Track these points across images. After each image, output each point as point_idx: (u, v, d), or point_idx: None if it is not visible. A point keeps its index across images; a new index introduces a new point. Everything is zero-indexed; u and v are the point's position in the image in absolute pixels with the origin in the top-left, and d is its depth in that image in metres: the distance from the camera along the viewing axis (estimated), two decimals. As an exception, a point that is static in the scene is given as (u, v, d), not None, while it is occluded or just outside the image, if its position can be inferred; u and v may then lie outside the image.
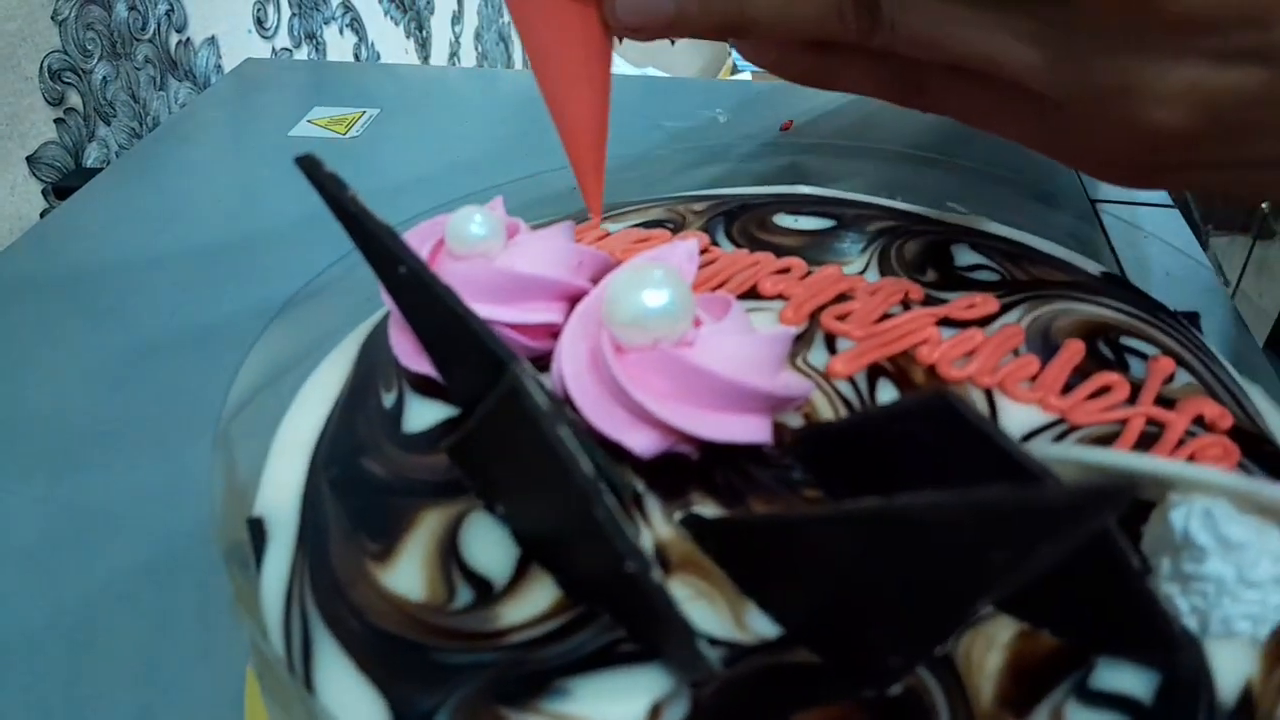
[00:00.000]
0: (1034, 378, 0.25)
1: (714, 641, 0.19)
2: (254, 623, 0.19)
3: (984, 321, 0.27)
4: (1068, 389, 0.25)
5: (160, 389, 0.37)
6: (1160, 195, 0.50)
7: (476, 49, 1.28)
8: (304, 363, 0.27)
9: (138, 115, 0.62)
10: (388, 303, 0.24)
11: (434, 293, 0.21)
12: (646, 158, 0.38)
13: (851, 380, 0.25)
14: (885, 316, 0.27)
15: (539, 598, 0.19)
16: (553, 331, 0.24)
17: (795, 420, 0.24)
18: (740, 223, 0.32)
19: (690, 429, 0.21)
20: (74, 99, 0.57)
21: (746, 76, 1.44)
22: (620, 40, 0.30)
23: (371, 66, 0.92)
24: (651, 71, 1.10)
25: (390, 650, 0.19)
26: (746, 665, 0.18)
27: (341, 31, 0.92)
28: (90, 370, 0.38)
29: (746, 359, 0.22)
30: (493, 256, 0.25)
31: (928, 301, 0.28)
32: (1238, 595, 0.18)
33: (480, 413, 0.19)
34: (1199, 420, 0.24)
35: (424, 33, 1.10)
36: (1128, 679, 0.18)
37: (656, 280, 0.21)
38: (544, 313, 0.25)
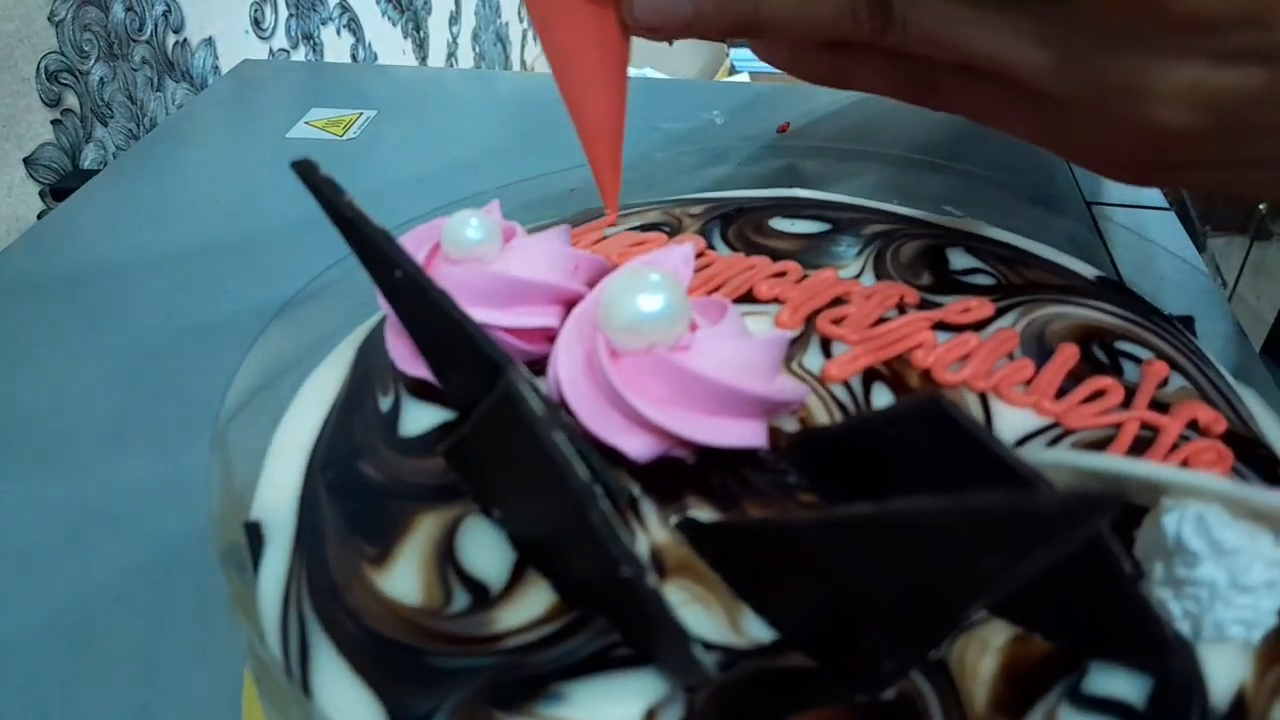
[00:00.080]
0: (1029, 382, 0.25)
1: (709, 646, 0.19)
2: (251, 626, 0.19)
3: (979, 325, 0.27)
4: (1062, 393, 0.25)
5: (158, 389, 0.37)
6: (1157, 198, 0.50)
7: (474, 49, 1.28)
8: (301, 365, 0.27)
9: (135, 116, 0.62)
10: (384, 307, 0.24)
11: (430, 297, 0.21)
12: (644, 160, 0.38)
13: (847, 384, 0.25)
14: (881, 320, 0.27)
15: (535, 602, 0.19)
16: (549, 335, 0.24)
17: (791, 424, 0.24)
18: (737, 226, 0.32)
19: (686, 434, 0.21)
20: (71, 100, 0.57)
21: (744, 77, 1.44)
22: (640, 39, 0.30)
23: (369, 68, 0.92)
24: (649, 72, 1.10)
25: (386, 654, 0.19)
26: (741, 669, 0.18)
27: (339, 32, 0.92)
28: (88, 371, 0.38)
29: (742, 363, 0.22)
30: (489, 261, 0.25)
31: (923, 305, 0.28)
32: (1230, 600, 0.19)
33: (475, 417, 0.19)
34: (1193, 425, 0.24)
35: (421, 33, 1.10)
36: (1120, 683, 0.18)
37: (652, 285, 0.22)
38: (540, 317, 0.25)
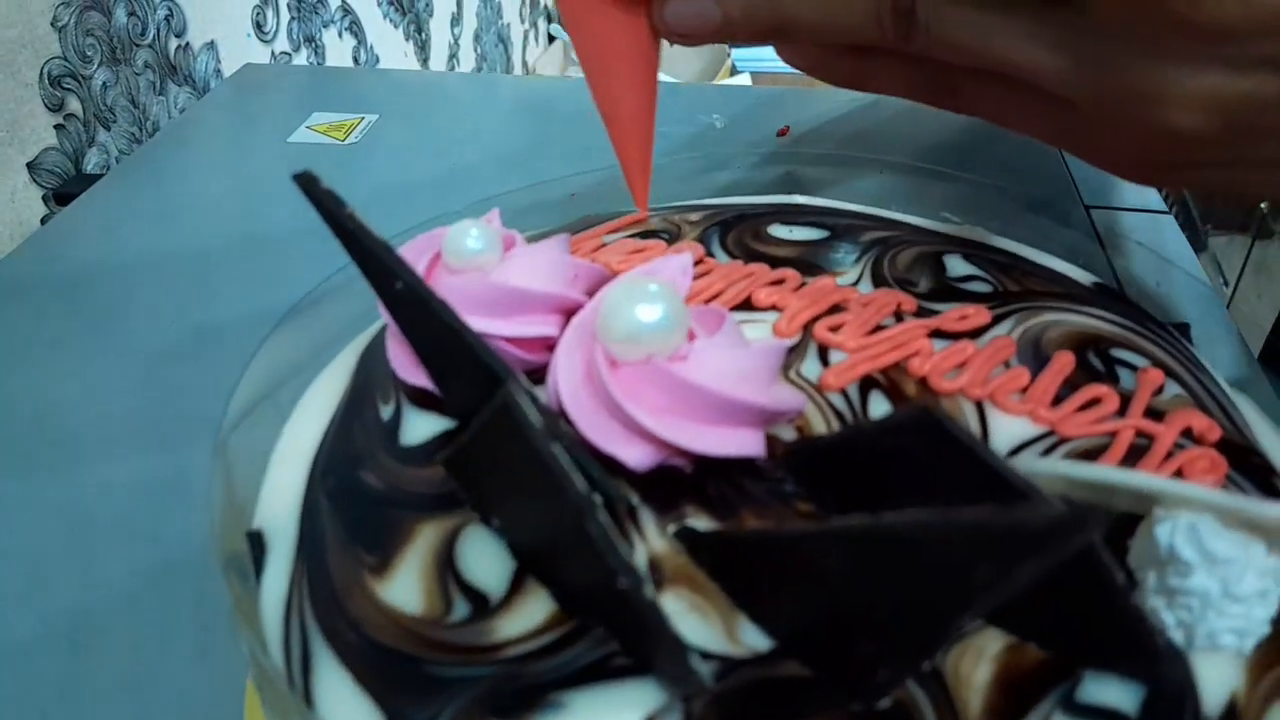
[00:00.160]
0: (1024, 389, 0.25)
1: (706, 655, 0.19)
2: (254, 636, 0.19)
3: (976, 333, 0.27)
4: (1058, 401, 0.25)
5: (160, 394, 0.38)
6: (1156, 201, 0.50)
7: (476, 51, 1.28)
8: (303, 373, 0.27)
9: (137, 121, 0.62)
10: (385, 316, 0.25)
11: (430, 308, 0.21)
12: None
13: (844, 392, 0.25)
14: (878, 328, 0.27)
15: (534, 611, 0.20)
16: (548, 344, 0.25)
17: (788, 433, 0.24)
18: (735, 233, 0.32)
19: (684, 443, 0.21)
20: (74, 105, 0.57)
21: (745, 77, 1.44)
22: (670, 45, 0.31)
23: (370, 72, 0.92)
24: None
25: (387, 663, 0.19)
26: (738, 678, 0.18)
27: (340, 34, 0.92)
28: (90, 375, 0.39)
29: (740, 373, 0.22)
30: (489, 270, 0.25)
31: (920, 313, 0.28)
32: (1223, 609, 0.19)
33: (474, 427, 0.20)
34: (1187, 432, 0.24)
35: (423, 35, 1.11)
36: (1114, 692, 0.19)
37: (650, 295, 0.22)
38: (539, 326, 0.25)
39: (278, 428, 0.25)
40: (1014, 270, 0.31)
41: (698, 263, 0.30)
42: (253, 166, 0.55)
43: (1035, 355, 0.27)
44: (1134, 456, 0.23)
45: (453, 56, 1.21)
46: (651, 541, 0.21)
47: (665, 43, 0.32)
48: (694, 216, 0.34)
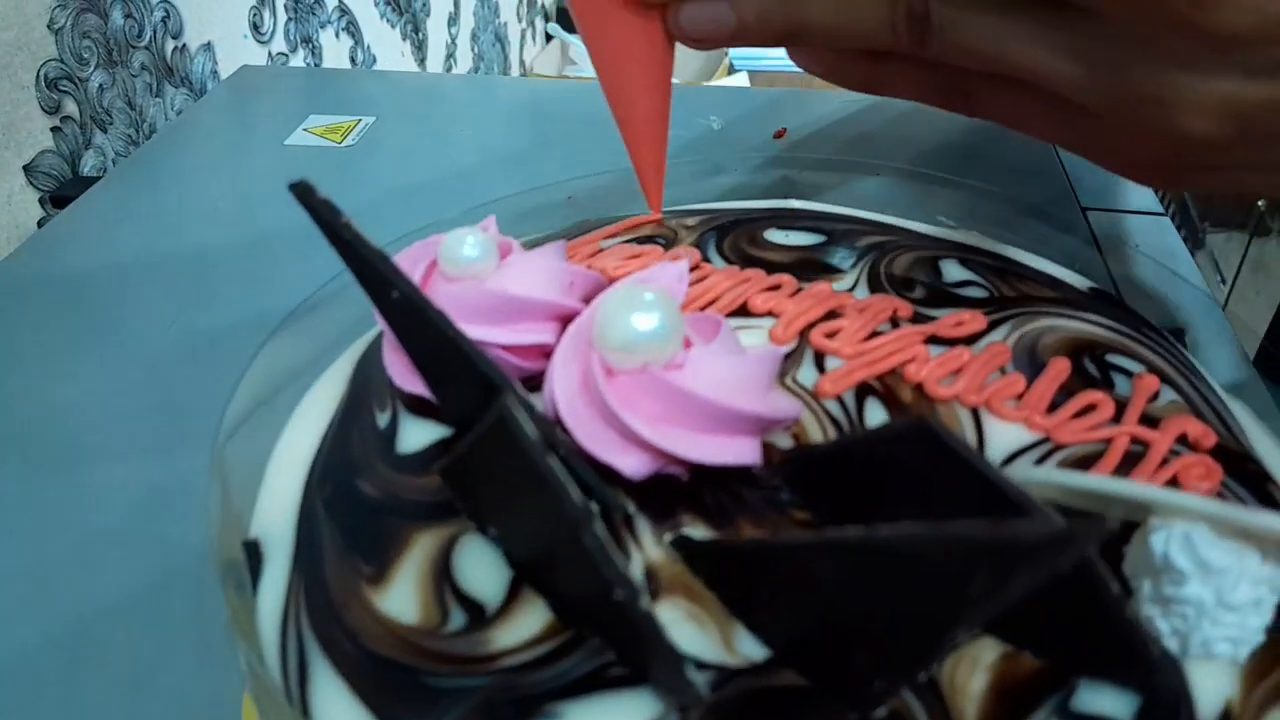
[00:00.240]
0: (1020, 396, 0.25)
1: (703, 665, 0.19)
2: (251, 648, 0.19)
3: (971, 339, 0.28)
4: (1053, 407, 0.25)
5: (158, 397, 0.38)
6: (1152, 203, 0.51)
7: (473, 50, 1.28)
8: (299, 380, 0.27)
9: (134, 122, 0.62)
10: (381, 324, 0.25)
11: (426, 317, 0.21)
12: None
13: (840, 399, 0.25)
14: (874, 334, 0.27)
15: (530, 621, 0.20)
16: (545, 352, 0.25)
17: (785, 440, 0.24)
18: (732, 238, 0.32)
19: (680, 452, 0.21)
20: (70, 107, 0.57)
21: (743, 75, 1.44)
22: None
23: (367, 73, 0.92)
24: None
25: (384, 674, 0.19)
26: (734, 688, 0.18)
27: (337, 35, 0.92)
28: (88, 379, 0.39)
29: (736, 381, 0.22)
30: (485, 278, 0.25)
31: (916, 319, 0.28)
32: (1217, 618, 0.19)
33: (470, 439, 0.20)
34: (1182, 439, 0.24)
35: (420, 35, 1.11)
36: (1109, 700, 0.19)
37: (646, 304, 0.22)
38: (536, 333, 0.25)
39: (275, 435, 0.25)
40: (1010, 275, 0.31)
41: (694, 268, 0.30)
42: (249, 170, 0.55)
43: (1031, 361, 0.27)
44: (1129, 464, 0.23)
45: (450, 56, 1.21)
46: (648, 550, 0.21)
47: None
48: (690, 221, 0.34)
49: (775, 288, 0.30)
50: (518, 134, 0.60)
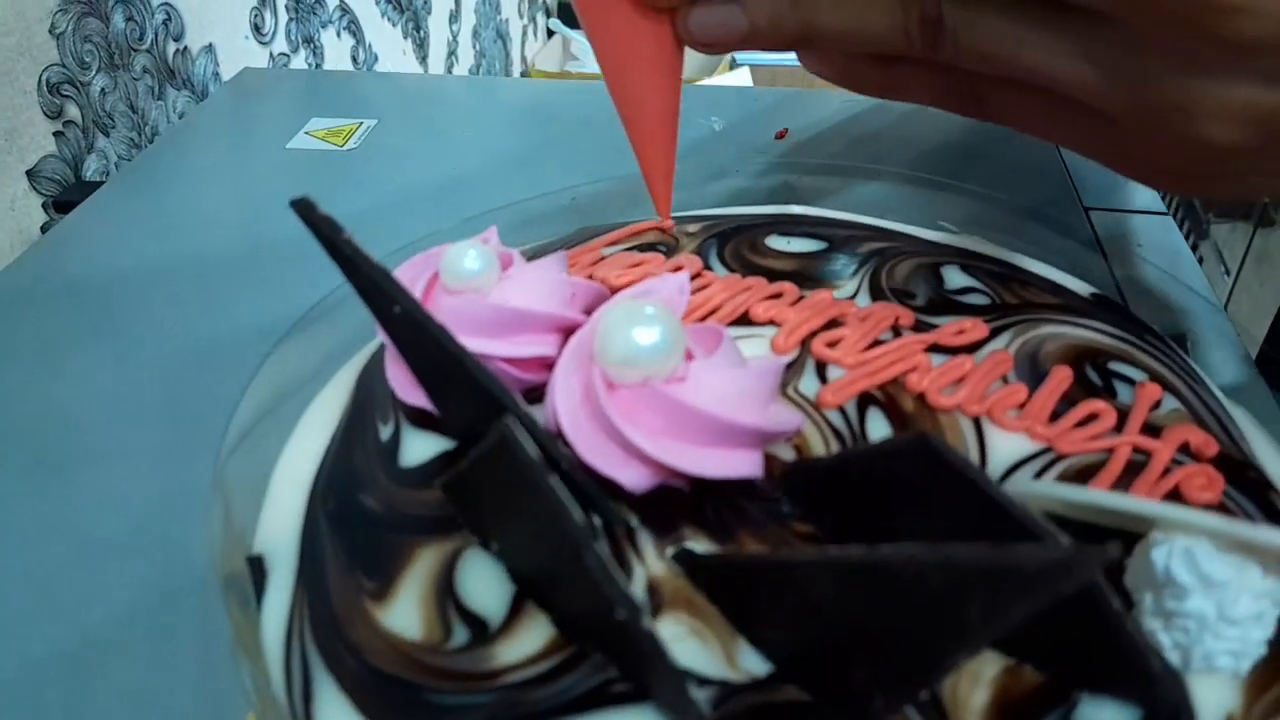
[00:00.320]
0: (1022, 405, 0.25)
1: (705, 680, 0.19)
2: (255, 665, 0.20)
3: (973, 347, 0.28)
4: (1055, 416, 0.25)
5: (161, 404, 0.38)
6: (1155, 202, 0.50)
7: (474, 47, 1.28)
8: (302, 391, 0.27)
9: (136, 126, 0.62)
10: (383, 338, 0.25)
11: (428, 331, 0.21)
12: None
13: (842, 410, 0.25)
14: (876, 343, 0.27)
15: (533, 637, 0.20)
16: (546, 364, 0.25)
17: (786, 451, 0.24)
18: (733, 245, 0.32)
19: (682, 466, 0.21)
20: (72, 111, 0.57)
21: (745, 71, 1.44)
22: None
23: (369, 75, 0.92)
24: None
25: (388, 691, 0.19)
26: (736, 704, 0.19)
27: (339, 34, 0.92)
28: (91, 385, 0.39)
29: (737, 395, 0.22)
30: (486, 291, 0.25)
31: (918, 327, 0.28)
32: (1219, 632, 0.19)
33: (472, 457, 0.20)
34: (1184, 448, 0.24)
35: (421, 33, 1.10)
36: (1110, 714, 0.19)
37: (647, 318, 0.22)
38: (537, 346, 0.25)
39: (277, 447, 0.25)
40: (1012, 281, 0.31)
41: (695, 276, 0.30)
42: (252, 174, 0.55)
43: (1033, 370, 0.27)
44: (1131, 474, 0.23)
45: (451, 54, 1.20)
46: (650, 564, 0.21)
47: None
48: (692, 228, 0.34)
49: (776, 296, 0.30)
50: (521, 136, 0.60)
